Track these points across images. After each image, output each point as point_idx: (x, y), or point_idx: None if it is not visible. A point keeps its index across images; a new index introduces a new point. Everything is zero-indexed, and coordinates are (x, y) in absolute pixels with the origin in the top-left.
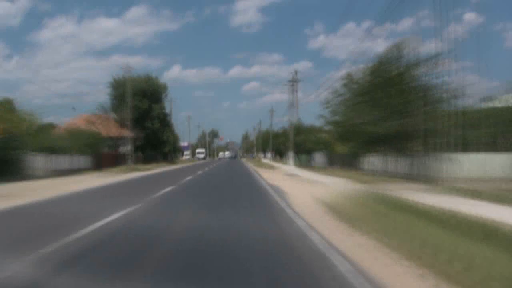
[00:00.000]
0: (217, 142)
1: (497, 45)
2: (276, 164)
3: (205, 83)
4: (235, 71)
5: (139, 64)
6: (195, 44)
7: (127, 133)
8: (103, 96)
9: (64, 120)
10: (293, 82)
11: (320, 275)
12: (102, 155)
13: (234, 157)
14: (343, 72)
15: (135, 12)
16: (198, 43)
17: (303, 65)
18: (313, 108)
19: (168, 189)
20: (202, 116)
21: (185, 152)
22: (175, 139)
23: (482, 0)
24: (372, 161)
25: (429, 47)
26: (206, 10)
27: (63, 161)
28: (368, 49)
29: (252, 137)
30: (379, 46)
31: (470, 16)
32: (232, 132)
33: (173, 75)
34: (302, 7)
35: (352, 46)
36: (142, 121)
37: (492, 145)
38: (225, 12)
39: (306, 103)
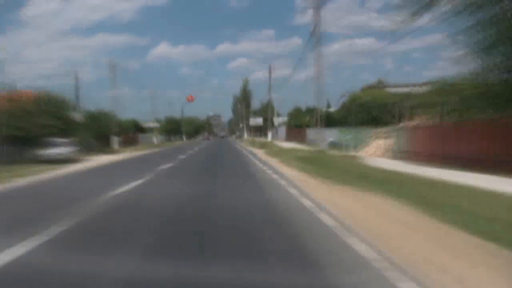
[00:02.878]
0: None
1: None
2: None
3: (192, 60)
4: (223, 47)
5: (126, 43)
6: (182, 20)
7: None
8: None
9: None
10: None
11: None
12: None
13: None
14: (335, 47)
15: None
16: (186, 19)
17: (294, 41)
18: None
19: None
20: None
21: None
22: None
23: None
24: None
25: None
26: None
27: None
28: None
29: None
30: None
31: None
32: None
33: (160, 52)
34: None
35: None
36: None
37: None
38: None
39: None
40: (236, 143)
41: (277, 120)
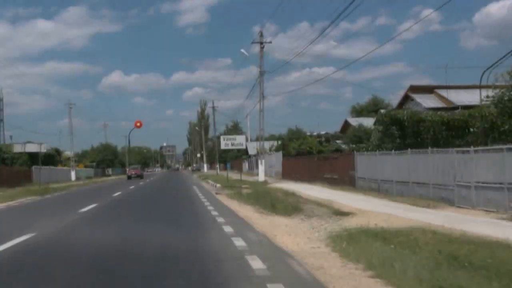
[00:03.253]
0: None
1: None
2: None
3: (147, 90)
4: (179, 76)
5: (78, 71)
6: (137, 47)
7: None
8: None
9: None
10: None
11: None
12: None
13: None
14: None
15: (72, 12)
16: (140, 46)
17: (251, 70)
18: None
19: None
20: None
21: None
22: None
23: None
24: None
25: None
26: (149, 11)
27: None
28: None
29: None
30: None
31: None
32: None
33: (113, 81)
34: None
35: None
36: None
37: None
38: (171, 12)
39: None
40: (197, 186)
41: (253, 145)
